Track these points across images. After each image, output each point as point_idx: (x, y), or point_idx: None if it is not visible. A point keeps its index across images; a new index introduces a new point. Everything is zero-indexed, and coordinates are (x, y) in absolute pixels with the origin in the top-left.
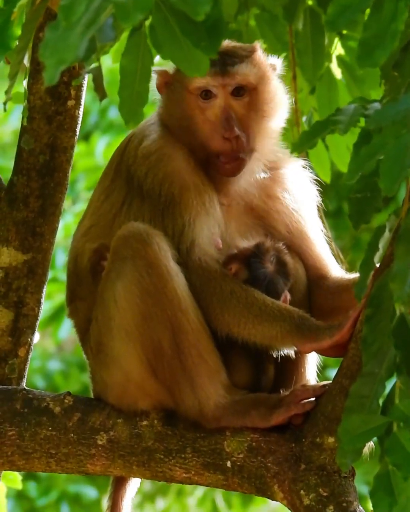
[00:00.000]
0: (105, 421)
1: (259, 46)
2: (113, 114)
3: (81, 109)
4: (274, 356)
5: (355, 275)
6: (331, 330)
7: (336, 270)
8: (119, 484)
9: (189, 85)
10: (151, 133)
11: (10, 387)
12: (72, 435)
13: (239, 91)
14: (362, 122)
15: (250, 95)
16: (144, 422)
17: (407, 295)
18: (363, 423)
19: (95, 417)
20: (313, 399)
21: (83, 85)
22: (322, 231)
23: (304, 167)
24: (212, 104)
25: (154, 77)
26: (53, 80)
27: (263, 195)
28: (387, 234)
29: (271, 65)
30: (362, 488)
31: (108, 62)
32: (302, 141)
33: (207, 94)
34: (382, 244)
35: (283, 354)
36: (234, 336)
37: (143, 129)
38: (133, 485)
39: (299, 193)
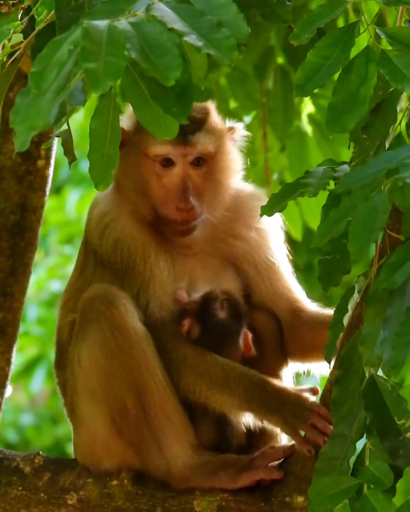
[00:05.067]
0: (75, 480)
1: (212, 107)
2: (85, 167)
3: (51, 168)
4: None
5: (332, 312)
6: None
7: (310, 304)
8: None
9: (148, 150)
10: (101, 201)
11: None
12: (42, 494)
13: (199, 160)
14: (331, 184)
15: (207, 164)
16: (114, 482)
17: (377, 358)
18: (333, 485)
19: (65, 477)
20: (281, 471)
21: (53, 144)
22: (289, 265)
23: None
24: (170, 172)
25: None
26: (24, 147)
27: (227, 236)
28: (356, 295)
29: (229, 128)
30: None
31: (78, 117)
32: (272, 203)
33: (166, 162)
34: (351, 305)
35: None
36: (192, 402)
37: (97, 199)
38: None
39: (263, 228)
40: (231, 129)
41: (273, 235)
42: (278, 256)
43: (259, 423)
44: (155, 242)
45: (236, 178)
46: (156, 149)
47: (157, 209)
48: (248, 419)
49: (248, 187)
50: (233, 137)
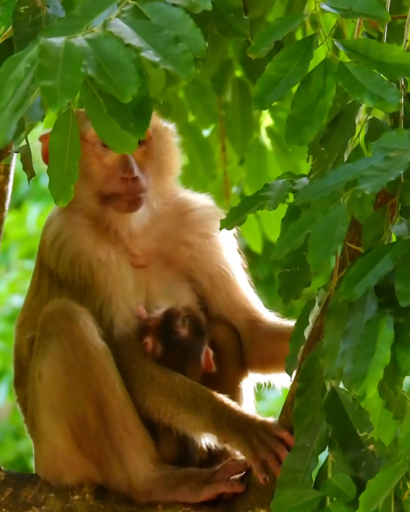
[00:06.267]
0: (37, 495)
1: None
2: (46, 182)
3: (11, 183)
4: None
5: (292, 323)
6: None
7: (268, 314)
8: None
9: (86, 135)
10: (54, 221)
11: None
12: (4, 510)
13: None
14: (291, 197)
15: (146, 144)
16: (76, 496)
17: (337, 371)
18: (296, 498)
19: (27, 492)
20: (243, 484)
21: (12, 159)
22: (244, 273)
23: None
24: (110, 151)
25: (39, 146)
26: None
27: (178, 244)
28: (316, 308)
29: (164, 127)
30: None
31: (37, 132)
32: (231, 217)
33: (104, 143)
34: (311, 318)
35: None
36: (155, 420)
37: (50, 218)
38: None
39: (215, 235)
40: (167, 128)
41: (225, 244)
42: (232, 265)
43: (221, 445)
44: (115, 251)
45: (176, 163)
46: (92, 130)
47: (102, 189)
48: (209, 441)
49: (199, 197)
50: (170, 135)
